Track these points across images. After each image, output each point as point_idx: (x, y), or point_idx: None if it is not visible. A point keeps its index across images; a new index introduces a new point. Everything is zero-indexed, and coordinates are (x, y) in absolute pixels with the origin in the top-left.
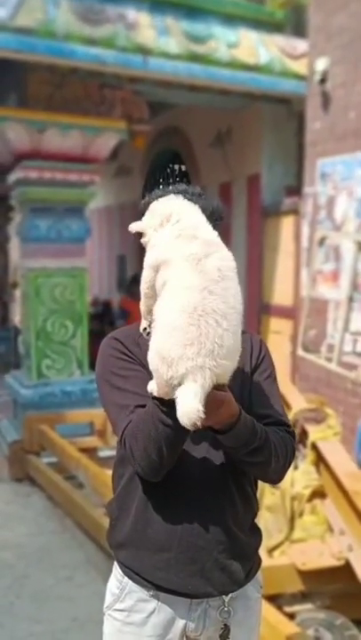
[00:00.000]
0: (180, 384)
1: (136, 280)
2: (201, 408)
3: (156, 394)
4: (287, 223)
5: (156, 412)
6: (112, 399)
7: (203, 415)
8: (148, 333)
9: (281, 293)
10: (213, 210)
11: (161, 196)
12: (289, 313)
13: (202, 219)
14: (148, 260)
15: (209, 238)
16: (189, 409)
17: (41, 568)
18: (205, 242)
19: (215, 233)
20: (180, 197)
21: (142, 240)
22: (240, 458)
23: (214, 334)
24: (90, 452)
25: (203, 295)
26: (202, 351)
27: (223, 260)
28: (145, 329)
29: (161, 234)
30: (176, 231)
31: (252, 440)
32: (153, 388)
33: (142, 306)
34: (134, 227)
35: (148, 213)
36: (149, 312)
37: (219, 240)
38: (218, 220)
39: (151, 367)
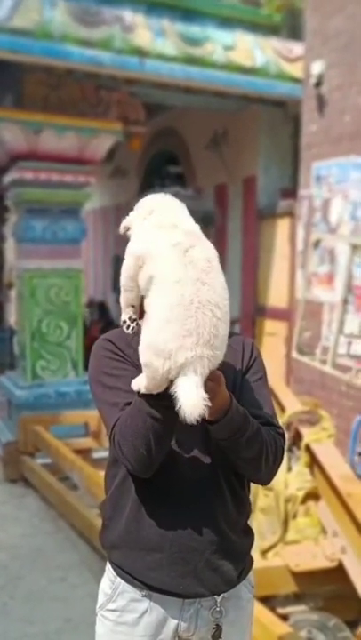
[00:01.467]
0: (177, 376)
1: None
2: (206, 398)
3: (143, 390)
4: (282, 225)
5: (143, 406)
6: (104, 398)
7: (209, 404)
8: (129, 327)
9: (276, 295)
10: (205, 212)
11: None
12: (284, 315)
13: (184, 212)
14: (129, 250)
15: (190, 229)
16: (196, 401)
17: (35, 569)
18: (187, 232)
19: (196, 225)
20: (167, 195)
21: (128, 233)
22: (233, 451)
23: (210, 324)
24: (84, 453)
25: (197, 287)
26: (200, 341)
27: (209, 250)
28: (125, 322)
29: (143, 225)
30: (156, 222)
31: (245, 427)
32: (140, 383)
33: (122, 299)
34: (122, 223)
35: (134, 209)
36: (128, 305)
37: (200, 232)
38: (210, 221)
39: (143, 361)
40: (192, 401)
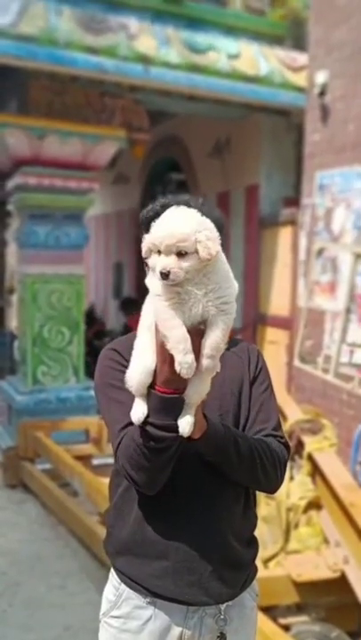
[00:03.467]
0: None
1: (131, 302)
2: None
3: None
4: (284, 234)
5: (146, 435)
6: (108, 410)
7: None
8: None
9: (277, 303)
10: (215, 220)
11: (163, 206)
12: (285, 323)
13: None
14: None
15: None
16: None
17: (34, 576)
18: None
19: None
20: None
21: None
22: (223, 465)
23: None
24: (84, 459)
25: None
26: None
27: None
28: None
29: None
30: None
31: (225, 445)
32: (139, 411)
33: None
34: (145, 242)
35: (205, 229)
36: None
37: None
38: (219, 229)
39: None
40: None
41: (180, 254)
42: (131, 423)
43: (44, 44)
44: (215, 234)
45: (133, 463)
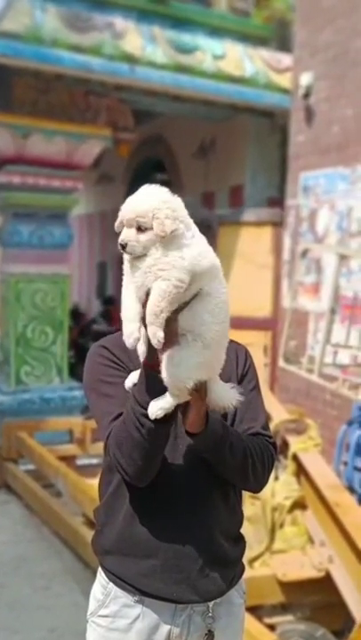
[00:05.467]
0: None
1: (111, 301)
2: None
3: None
4: (264, 234)
5: (138, 419)
6: (99, 406)
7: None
8: None
9: (253, 305)
10: (201, 220)
11: None
12: (263, 324)
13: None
14: (186, 263)
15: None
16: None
17: (18, 577)
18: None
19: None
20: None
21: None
22: (217, 462)
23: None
24: (68, 460)
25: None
26: None
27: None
28: None
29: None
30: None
31: (223, 441)
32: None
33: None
34: (168, 227)
35: (169, 210)
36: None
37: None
38: (205, 228)
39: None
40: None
41: (140, 229)
42: (121, 414)
43: (30, 42)
44: (178, 213)
45: (123, 450)
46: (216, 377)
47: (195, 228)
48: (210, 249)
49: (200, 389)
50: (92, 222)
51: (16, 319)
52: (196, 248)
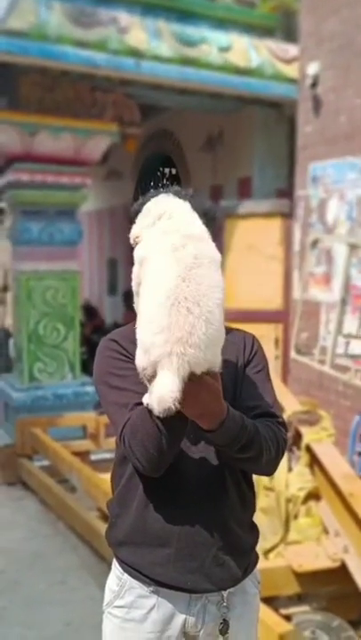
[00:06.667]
0: (154, 374)
1: (129, 294)
2: (175, 391)
3: (148, 401)
4: (272, 226)
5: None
6: (111, 399)
7: (177, 397)
8: None
9: (263, 297)
10: (206, 211)
11: (153, 197)
12: (274, 317)
13: (194, 215)
14: (135, 257)
15: (193, 233)
16: (162, 393)
17: (33, 573)
18: (187, 235)
19: (205, 229)
20: (171, 196)
21: (136, 241)
22: (231, 455)
23: (184, 322)
24: (82, 455)
25: (176, 283)
26: (170, 339)
27: (200, 249)
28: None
29: (150, 231)
30: (164, 227)
31: (241, 436)
32: (146, 398)
33: (136, 305)
34: (132, 233)
35: (141, 214)
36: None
37: (203, 234)
38: (211, 220)
39: (136, 362)
40: (159, 393)
41: None
42: (136, 404)
43: (35, 39)
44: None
45: (138, 439)
46: (162, 369)
47: None
48: None
49: (196, 381)
50: (101, 218)
51: (28, 316)
52: None
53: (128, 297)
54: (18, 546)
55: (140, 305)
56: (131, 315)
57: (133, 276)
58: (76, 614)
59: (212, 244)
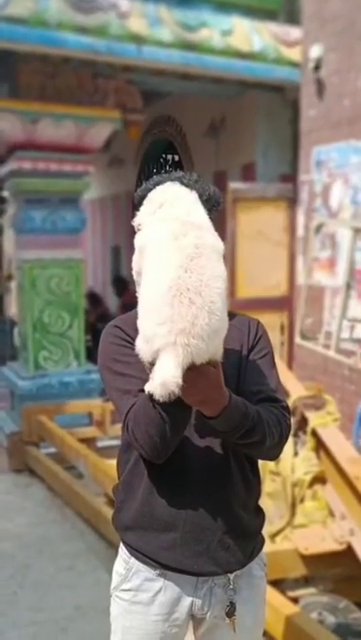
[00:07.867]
0: (154, 363)
1: (119, 280)
2: (178, 376)
3: (150, 387)
4: (276, 211)
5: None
6: (115, 385)
7: (179, 381)
8: None
9: (267, 284)
10: (210, 196)
11: (157, 184)
12: (278, 303)
13: (196, 204)
14: (135, 245)
15: (194, 221)
16: (165, 377)
17: (42, 558)
18: (188, 223)
19: (206, 218)
20: (177, 184)
21: (138, 228)
22: (235, 441)
23: (187, 313)
24: (89, 442)
25: (178, 273)
26: (173, 329)
27: (201, 239)
28: None
29: (152, 219)
30: (165, 215)
31: (244, 423)
32: (148, 385)
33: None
34: (135, 221)
35: (145, 202)
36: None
37: (209, 224)
38: (215, 205)
39: (137, 350)
40: (162, 378)
41: None
42: (140, 391)
43: (35, 26)
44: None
45: (141, 425)
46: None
47: None
48: None
49: (194, 370)
50: (104, 206)
51: (32, 305)
52: None
53: (118, 283)
54: (26, 531)
55: (141, 294)
56: (121, 301)
57: (134, 264)
58: (84, 598)
59: (214, 233)
